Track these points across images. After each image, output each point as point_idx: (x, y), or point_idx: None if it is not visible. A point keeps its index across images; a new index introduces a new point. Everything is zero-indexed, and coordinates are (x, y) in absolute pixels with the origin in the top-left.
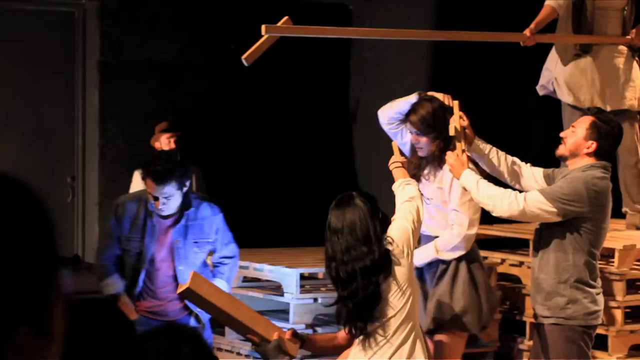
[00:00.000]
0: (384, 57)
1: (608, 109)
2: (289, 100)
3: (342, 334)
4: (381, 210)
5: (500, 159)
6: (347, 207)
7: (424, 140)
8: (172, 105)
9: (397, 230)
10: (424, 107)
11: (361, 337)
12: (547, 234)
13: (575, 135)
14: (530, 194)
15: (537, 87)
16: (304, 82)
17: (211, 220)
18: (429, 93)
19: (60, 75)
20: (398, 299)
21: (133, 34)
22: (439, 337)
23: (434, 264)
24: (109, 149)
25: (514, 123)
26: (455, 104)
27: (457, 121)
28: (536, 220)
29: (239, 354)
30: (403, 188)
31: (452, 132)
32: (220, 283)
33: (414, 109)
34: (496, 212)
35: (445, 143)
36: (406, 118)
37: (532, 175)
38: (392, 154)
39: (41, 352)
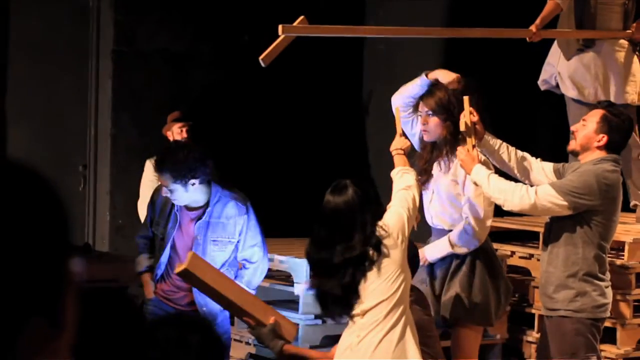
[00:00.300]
0: (397, 49)
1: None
2: (302, 92)
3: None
4: (376, 199)
5: (511, 154)
6: (337, 195)
7: (434, 122)
8: (185, 95)
9: (393, 217)
10: (441, 90)
11: (352, 321)
12: (557, 227)
13: (586, 128)
14: (541, 188)
15: (539, 82)
16: (316, 73)
17: (235, 220)
18: (438, 70)
19: (74, 64)
20: (390, 284)
21: (146, 23)
22: (457, 331)
23: (447, 259)
24: (121, 138)
25: (523, 117)
26: (466, 99)
27: (467, 116)
28: (547, 214)
29: (247, 343)
30: (401, 176)
31: (462, 128)
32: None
33: (430, 90)
34: (507, 206)
35: (455, 128)
36: (420, 99)
37: (542, 170)
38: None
39: (53, 342)
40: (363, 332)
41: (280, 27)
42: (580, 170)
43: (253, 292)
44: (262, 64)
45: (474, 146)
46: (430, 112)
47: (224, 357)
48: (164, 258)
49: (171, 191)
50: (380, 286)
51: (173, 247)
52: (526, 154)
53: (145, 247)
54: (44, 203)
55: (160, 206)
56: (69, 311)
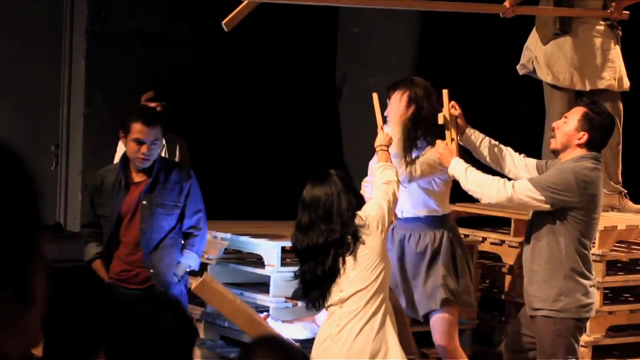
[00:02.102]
0: (371, 32)
1: (587, 88)
2: (275, 74)
3: None
4: (355, 190)
5: (493, 149)
6: (319, 183)
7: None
8: (158, 75)
9: (374, 208)
10: (418, 86)
11: (332, 309)
12: (538, 223)
13: (567, 125)
14: (519, 182)
15: (518, 67)
16: (290, 56)
17: (181, 185)
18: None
19: (48, 43)
20: (370, 272)
21: (121, 3)
22: (443, 316)
23: (419, 247)
24: (94, 118)
25: (499, 100)
26: (445, 93)
27: (446, 110)
28: (524, 208)
29: (219, 325)
30: (382, 171)
31: (440, 121)
32: (191, 255)
33: (403, 82)
34: (484, 199)
35: (417, 116)
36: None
37: (524, 166)
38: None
39: (21, 316)
40: (343, 322)
41: None
42: (560, 167)
43: (198, 260)
44: (225, 29)
45: (453, 140)
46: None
47: (196, 335)
48: (112, 236)
49: (154, 145)
50: (359, 275)
51: (119, 221)
52: (509, 149)
53: (92, 236)
54: (14, 178)
55: (108, 188)
56: (38, 287)
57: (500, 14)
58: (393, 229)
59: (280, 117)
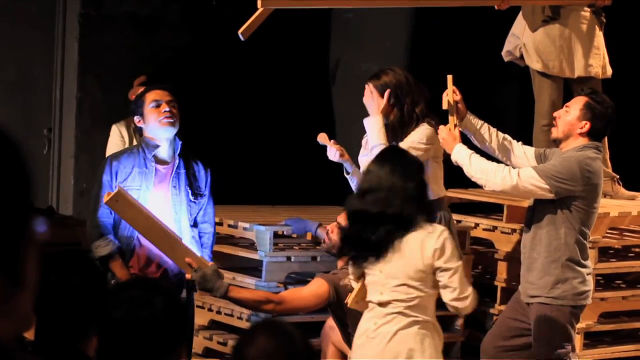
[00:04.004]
0: (365, 18)
1: (575, 75)
2: (269, 59)
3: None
4: (426, 201)
5: (492, 136)
6: (408, 156)
7: (372, 94)
8: (151, 59)
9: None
10: (388, 75)
11: (372, 305)
12: (539, 211)
13: (569, 115)
14: (524, 170)
15: (503, 53)
16: (283, 41)
17: (204, 175)
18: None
19: (41, 27)
20: (411, 285)
21: None
22: None
23: None
24: (86, 101)
25: (487, 88)
26: (449, 78)
27: (450, 95)
28: (529, 197)
29: (209, 310)
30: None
31: (445, 106)
32: (205, 254)
33: (375, 74)
34: (489, 187)
35: (400, 113)
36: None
37: (523, 153)
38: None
39: (13, 299)
40: (380, 321)
41: (259, 0)
42: (564, 156)
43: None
44: (242, 38)
45: (455, 125)
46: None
47: (187, 321)
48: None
49: (172, 105)
50: (401, 273)
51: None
52: (507, 136)
53: (109, 228)
54: (6, 161)
55: (127, 171)
56: (29, 270)
57: (495, 7)
58: None
59: (273, 101)
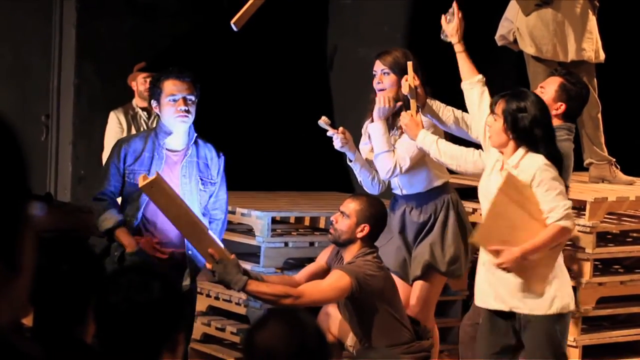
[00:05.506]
0: (363, 3)
1: (569, 59)
2: (267, 45)
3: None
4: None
5: (453, 115)
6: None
7: (390, 80)
8: (150, 46)
9: None
10: (398, 51)
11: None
12: None
13: (544, 95)
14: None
15: (496, 37)
16: (281, 27)
17: (213, 161)
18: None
19: (38, 13)
20: None
21: None
22: (424, 281)
23: (421, 217)
24: (84, 88)
25: (486, 72)
26: (409, 65)
27: (410, 79)
28: None
29: (208, 295)
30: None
31: (405, 90)
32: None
33: (387, 50)
34: (461, 171)
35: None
36: (377, 57)
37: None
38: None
39: (9, 284)
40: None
41: None
42: None
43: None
44: (235, 28)
45: (417, 111)
46: (386, 71)
47: (185, 307)
48: (142, 207)
49: (189, 101)
50: None
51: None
52: (466, 114)
53: (112, 203)
54: (3, 147)
55: (136, 155)
56: (26, 255)
57: None
58: (394, 202)
59: (271, 87)
